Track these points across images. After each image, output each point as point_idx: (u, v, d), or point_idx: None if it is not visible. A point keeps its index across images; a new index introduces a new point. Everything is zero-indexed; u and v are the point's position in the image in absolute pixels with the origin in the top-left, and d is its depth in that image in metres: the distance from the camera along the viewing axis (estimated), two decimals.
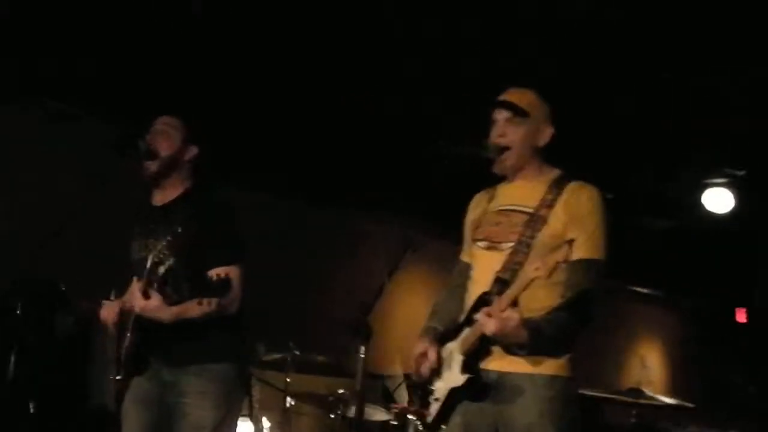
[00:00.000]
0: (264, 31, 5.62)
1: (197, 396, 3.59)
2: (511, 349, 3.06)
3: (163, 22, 5.49)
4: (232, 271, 3.55)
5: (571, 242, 2.82)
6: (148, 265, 3.51)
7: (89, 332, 3.87)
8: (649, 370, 12.98)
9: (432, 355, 3.31)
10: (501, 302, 2.95)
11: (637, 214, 8.21)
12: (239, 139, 6.76)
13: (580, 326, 3.12)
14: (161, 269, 3.50)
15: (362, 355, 3.60)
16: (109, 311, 3.70)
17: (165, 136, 3.75)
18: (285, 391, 6.16)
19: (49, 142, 6.44)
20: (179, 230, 3.54)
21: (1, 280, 5.32)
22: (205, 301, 3.38)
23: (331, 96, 6.39)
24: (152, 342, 3.60)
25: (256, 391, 6.24)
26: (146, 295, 3.44)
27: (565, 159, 3.37)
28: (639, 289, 11.70)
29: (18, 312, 5.17)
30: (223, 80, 6.17)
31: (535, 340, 2.99)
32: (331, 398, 6.02)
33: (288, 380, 6.16)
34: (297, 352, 6.09)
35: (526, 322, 2.96)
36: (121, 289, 3.79)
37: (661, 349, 13.46)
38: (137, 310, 3.47)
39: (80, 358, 5.28)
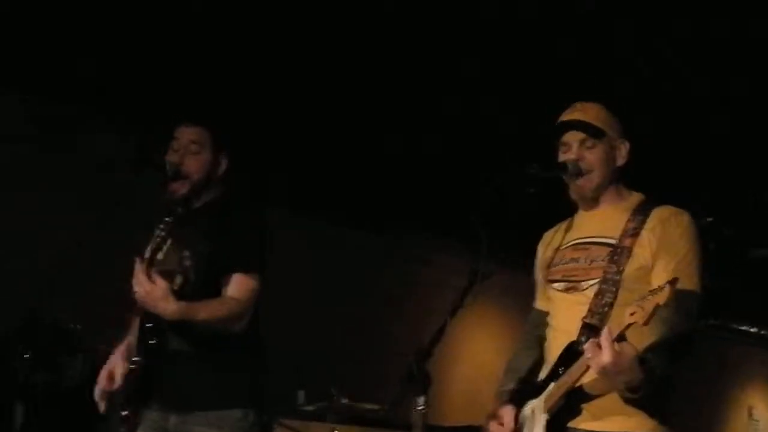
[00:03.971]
0: (314, 47, 5.80)
1: None
2: (623, 394, 2.95)
3: (189, 26, 5.63)
4: (244, 280, 3.59)
5: (673, 282, 2.75)
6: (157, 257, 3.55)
7: None
8: (757, 423, 12.77)
9: (508, 419, 3.27)
10: (611, 331, 2.82)
11: (741, 242, 8.10)
12: (283, 160, 6.91)
13: (679, 369, 3.05)
14: (178, 279, 3.56)
15: (420, 407, 3.56)
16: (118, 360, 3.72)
17: (195, 156, 3.76)
18: None
19: (50, 155, 6.53)
20: (203, 241, 3.59)
21: (5, 321, 5.39)
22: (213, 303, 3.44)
23: (390, 116, 6.58)
24: (160, 369, 3.61)
25: None
26: (151, 280, 3.44)
27: (657, 181, 3.32)
28: (744, 327, 11.52)
29: (25, 356, 5.22)
30: (271, 99, 6.36)
31: (650, 381, 2.88)
32: None
33: None
34: (343, 401, 6.08)
35: (640, 360, 2.87)
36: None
37: None
38: (139, 295, 3.46)
39: (93, 408, 5.33)
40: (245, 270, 3.64)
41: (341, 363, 7.67)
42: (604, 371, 2.82)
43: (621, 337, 2.81)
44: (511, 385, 3.42)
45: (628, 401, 2.98)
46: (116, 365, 3.70)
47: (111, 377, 3.68)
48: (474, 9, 5.29)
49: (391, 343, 7.97)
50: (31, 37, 5.81)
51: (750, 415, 12.78)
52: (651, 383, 2.88)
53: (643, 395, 2.91)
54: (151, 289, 3.43)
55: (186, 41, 5.75)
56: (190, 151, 3.74)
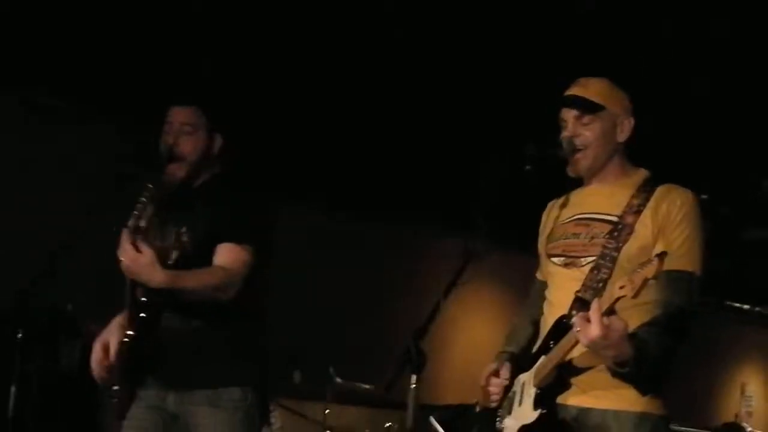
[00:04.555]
0: (311, 31, 5.80)
1: (209, 429, 3.58)
2: (612, 368, 2.94)
3: (192, 17, 5.64)
4: (235, 250, 3.56)
5: (662, 255, 2.74)
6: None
7: None
8: (749, 400, 12.82)
9: (505, 373, 3.27)
10: (601, 304, 2.80)
11: (736, 220, 8.11)
12: (276, 147, 6.93)
13: (676, 349, 3.04)
14: (174, 254, 3.54)
15: (414, 386, 3.55)
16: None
17: (189, 137, 3.72)
18: (323, 424, 6.15)
19: (47, 145, 6.53)
20: (200, 218, 3.60)
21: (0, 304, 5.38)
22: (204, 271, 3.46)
23: (382, 101, 6.58)
24: (154, 346, 3.58)
25: (279, 419, 6.20)
26: (137, 249, 3.40)
27: (653, 158, 3.30)
28: (738, 305, 11.54)
29: (19, 338, 5.21)
30: (261, 85, 6.38)
31: (640, 357, 2.86)
32: None
33: (327, 412, 6.16)
34: (338, 380, 6.09)
35: (630, 335, 2.84)
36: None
37: (765, 375, 13.28)
38: (125, 264, 3.42)
39: (88, 389, 5.32)
40: (237, 241, 3.60)
41: (338, 344, 7.68)
42: (592, 345, 2.80)
43: (611, 311, 2.79)
44: (511, 349, 3.41)
45: (618, 376, 2.96)
46: (111, 337, 3.64)
47: (106, 349, 3.63)
48: (473, 6, 5.28)
49: (388, 324, 7.98)
50: (30, 34, 5.79)
51: (743, 391, 12.82)
52: (642, 359, 2.86)
53: (633, 371, 2.89)
54: (136, 258, 3.39)
55: (189, 35, 5.74)
56: (183, 132, 3.71)
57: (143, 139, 3.79)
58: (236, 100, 6.04)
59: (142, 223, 3.46)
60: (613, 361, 2.89)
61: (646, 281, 2.72)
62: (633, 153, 3.30)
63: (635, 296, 2.75)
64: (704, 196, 3.33)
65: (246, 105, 6.31)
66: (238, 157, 3.89)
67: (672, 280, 2.99)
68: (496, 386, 3.31)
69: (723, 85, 5.94)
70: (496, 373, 3.32)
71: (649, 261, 2.73)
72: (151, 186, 3.53)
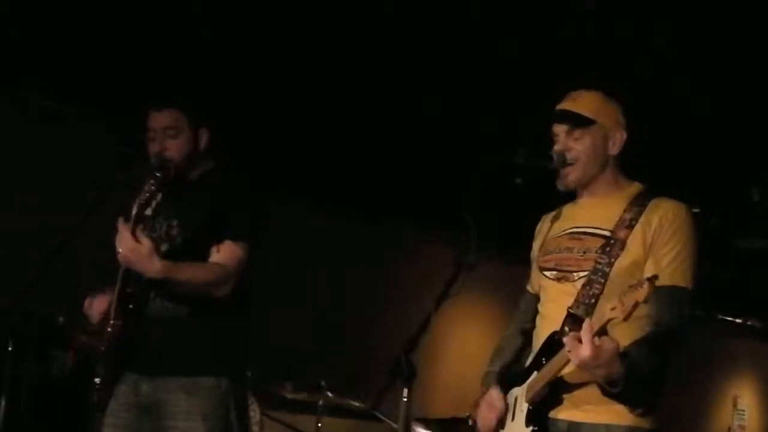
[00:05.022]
0: (305, 32, 5.78)
1: (183, 417, 3.58)
2: (603, 388, 2.95)
3: (185, 17, 5.62)
4: (231, 248, 3.59)
5: (653, 279, 2.74)
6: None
7: (90, 371, 3.92)
8: (742, 413, 12.82)
9: (498, 402, 3.27)
10: (592, 325, 2.81)
11: (728, 232, 8.11)
12: (275, 148, 6.97)
13: (667, 366, 3.05)
14: (164, 246, 3.57)
15: (405, 398, 3.55)
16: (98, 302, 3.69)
17: (174, 140, 3.73)
18: None
19: (37, 148, 6.53)
20: (193, 212, 3.63)
21: None
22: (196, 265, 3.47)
23: (381, 103, 6.57)
24: (135, 337, 3.59)
25: (257, 411, 6.16)
26: (135, 238, 3.41)
27: (644, 170, 3.31)
28: (730, 318, 11.54)
29: (9, 349, 5.20)
30: (254, 85, 6.36)
31: (630, 376, 2.87)
32: None
33: (319, 425, 6.15)
34: (329, 394, 6.07)
35: (621, 354, 2.86)
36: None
37: (757, 388, 13.28)
38: (123, 254, 3.43)
39: (79, 401, 5.31)
40: (233, 238, 3.63)
41: (329, 355, 7.67)
42: (583, 365, 2.83)
43: (602, 332, 2.81)
44: (494, 368, 3.43)
45: (608, 395, 2.97)
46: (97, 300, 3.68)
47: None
48: (473, 6, 5.27)
49: (379, 335, 7.97)
50: (30, 35, 5.80)
51: (735, 405, 12.82)
52: (632, 378, 2.87)
53: (623, 390, 2.90)
54: (135, 247, 3.41)
55: (189, 35, 5.74)
56: (167, 136, 3.72)
57: (143, 139, 3.81)
58: (224, 96, 6.06)
59: (149, 212, 3.51)
60: (603, 380, 2.90)
61: (636, 305, 2.74)
62: (625, 165, 3.31)
63: (626, 318, 2.77)
64: (695, 210, 3.33)
65: (247, 107, 6.34)
66: (230, 150, 3.91)
67: (663, 296, 2.99)
68: (488, 411, 3.31)
69: (710, 92, 5.96)
70: (486, 400, 3.34)
71: (640, 284, 2.74)
72: (159, 174, 3.56)
